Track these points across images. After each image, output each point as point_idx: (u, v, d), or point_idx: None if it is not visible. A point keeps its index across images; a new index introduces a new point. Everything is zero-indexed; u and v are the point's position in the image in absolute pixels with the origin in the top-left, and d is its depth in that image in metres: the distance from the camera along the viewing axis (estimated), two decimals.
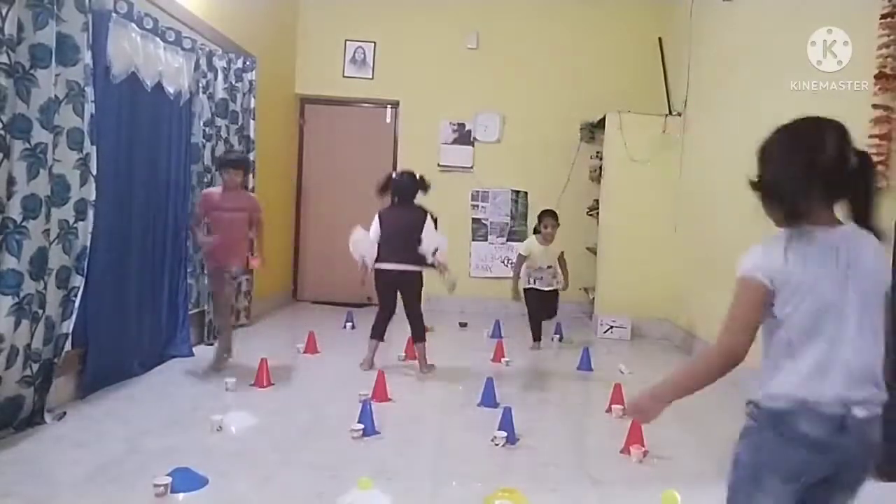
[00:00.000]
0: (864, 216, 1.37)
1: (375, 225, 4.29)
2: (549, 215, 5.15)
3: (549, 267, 5.12)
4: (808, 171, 1.34)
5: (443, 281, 4.37)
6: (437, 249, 4.23)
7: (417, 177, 4.34)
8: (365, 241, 4.24)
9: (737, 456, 1.42)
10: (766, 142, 1.43)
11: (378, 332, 4.39)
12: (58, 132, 2.98)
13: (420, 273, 4.32)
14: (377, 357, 4.38)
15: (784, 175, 1.36)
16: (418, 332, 4.36)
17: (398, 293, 4.35)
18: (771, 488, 1.36)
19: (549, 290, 5.19)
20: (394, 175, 4.43)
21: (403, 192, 4.31)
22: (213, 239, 3.97)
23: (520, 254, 5.20)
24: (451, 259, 4.54)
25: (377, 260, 4.25)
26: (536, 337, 5.20)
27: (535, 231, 5.23)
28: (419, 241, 4.19)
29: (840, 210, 1.39)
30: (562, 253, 5.19)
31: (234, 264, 4.10)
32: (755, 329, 1.37)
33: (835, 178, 1.34)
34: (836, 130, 1.35)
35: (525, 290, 5.18)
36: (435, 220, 4.31)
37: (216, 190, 4.14)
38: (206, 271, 4.36)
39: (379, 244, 4.24)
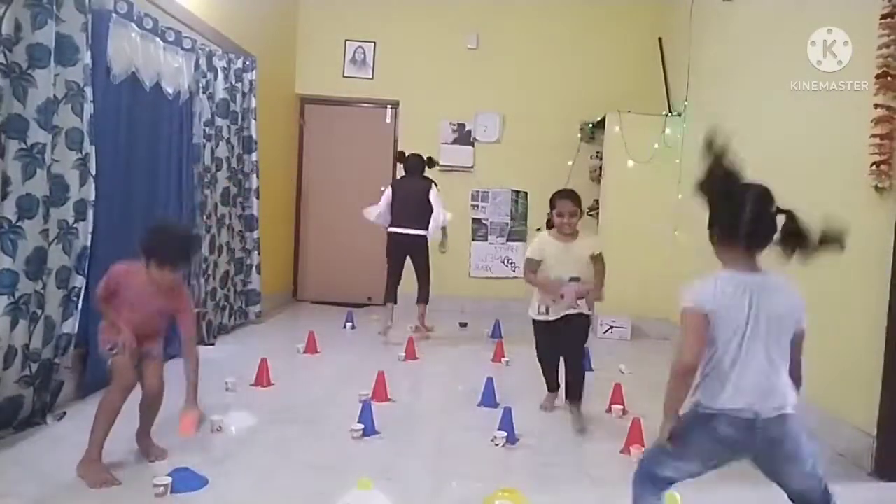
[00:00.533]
0: (803, 253, 1.73)
1: (388, 194, 5.18)
2: (565, 197, 3.37)
3: (572, 279, 3.34)
4: (730, 230, 1.77)
5: (441, 245, 5.42)
6: (444, 227, 5.18)
7: (424, 157, 5.29)
8: (373, 211, 5.22)
9: (672, 427, 1.81)
10: (704, 179, 1.85)
11: (391, 297, 5.17)
12: (56, 132, 2.98)
13: (425, 238, 5.11)
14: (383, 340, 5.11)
15: (716, 230, 1.83)
16: (424, 293, 5.21)
17: (407, 258, 5.17)
18: (691, 458, 1.84)
19: (571, 315, 3.40)
20: (405, 152, 5.40)
21: (412, 165, 5.25)
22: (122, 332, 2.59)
23: (528, 258, 3.44)
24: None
25: (391, 225, 5.13)
26: (552, 385, 3.62)
27: (549, 225, 3.50)
28: (430, 210, 5.03)
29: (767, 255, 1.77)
30: (599, 254, 3.44)
31: (146, 345, 2.68)
32: (703, 345, 1.76)
33: (755, 235, 1.75)
34: (755, 196, 1.74)
35: (534, 322, 3.50)
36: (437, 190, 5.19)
37: (136, 272, 2.56)
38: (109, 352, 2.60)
39: (392, 211, 5.11)
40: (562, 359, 3.52)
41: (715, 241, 1.85)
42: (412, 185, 5.19)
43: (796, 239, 1.72)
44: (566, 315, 3.40)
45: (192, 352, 2.72)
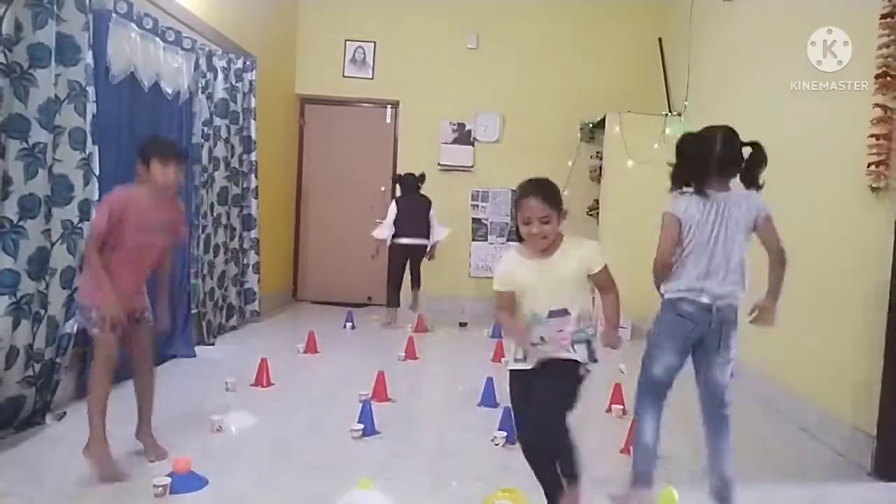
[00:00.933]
0: (750, 182, 2.31)
1: (393, 208, 5.78)
2: (529, 194, 2.19)
3: (553, 314, 2.12)
4: (706, 159, 2.30)
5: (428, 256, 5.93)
6: (436, 242, 5.87)
7: (417, 174, 5.88)
8: (385, 228, 5.75)
9: (650, 328, 2.43)
10: (679, 141, 2.38)
11: (394, 301, 5.87)
12: (59, 132, 2.98)
13: (425, 245, 5.82)
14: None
15: (692, 161, 2.33)
16: (417, 281, 5.94)
17: (407, 263, 5.85)
18: (665, 343, 2.36)
19: (552, 361, 2.15)
20: (401, 174, 6.02)
21: (409, 184, 5.88)
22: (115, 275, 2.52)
23: (496, 290, 2.23)
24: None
25: (394, 236, 5.73)
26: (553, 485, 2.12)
27: (518, 236, 2.25)
28: (428, 224, 5.79)
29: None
30: (602, 269, 2.17)
31: (138, 302, 2.69)
32: (675, 245, 2.34)
33: (724, 163, 2.29)
34: (724, 134, 2.30)
35: (511, 373, 2.26)
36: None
37: (136, 192, 2.58)
38: (90, 321, 2.53)
39: (396, 224, 5.71)
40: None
41: (679, 183, 2.37)
42: (413, 201, 5.84)
43: (757, 165, 2.28)
44: (546, 361, 2.15)
45: (166, 252, 2.74)
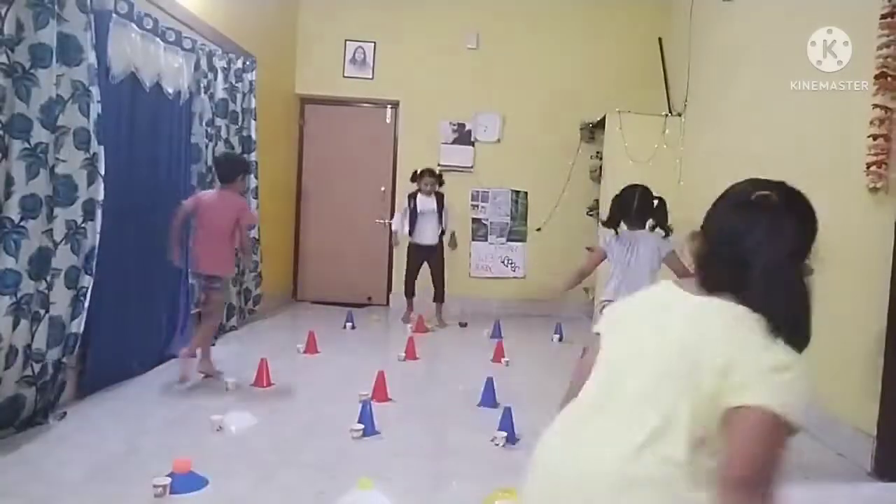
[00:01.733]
0: (662, 226, 3.35)
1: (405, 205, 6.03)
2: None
3: None
4: (621, 211, 3.37)
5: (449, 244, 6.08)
6: (453, 232, 6.07)
7: (437, 172, 6.02)
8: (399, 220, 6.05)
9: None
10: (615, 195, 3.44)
11: (410, 292, 6.03)
12: (63, 132, 2.97)
13: (442, 244, 5.97)
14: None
15: (618, 210, 3.38)
16: (439, 294, 5.98)
17: (425, 261, 5.94)
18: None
19: None
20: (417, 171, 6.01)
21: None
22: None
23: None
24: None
25: (412, 234, 5.92)
26: None
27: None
28: (441, 221, 5.93)
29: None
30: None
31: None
32: (594, 266, 3.63)
33: (637, 212, 3.33)
34: (640, 191, 3.35)
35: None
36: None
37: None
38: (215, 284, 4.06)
39: (412, 223, 5.88)
40: None
41: (610, 224, 3.40)
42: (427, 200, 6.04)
43: (662, 213, 3.33)
44: None
45: None
